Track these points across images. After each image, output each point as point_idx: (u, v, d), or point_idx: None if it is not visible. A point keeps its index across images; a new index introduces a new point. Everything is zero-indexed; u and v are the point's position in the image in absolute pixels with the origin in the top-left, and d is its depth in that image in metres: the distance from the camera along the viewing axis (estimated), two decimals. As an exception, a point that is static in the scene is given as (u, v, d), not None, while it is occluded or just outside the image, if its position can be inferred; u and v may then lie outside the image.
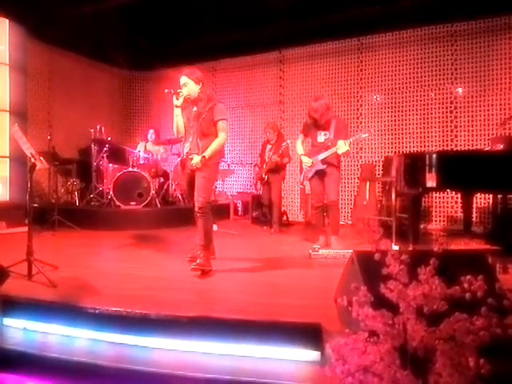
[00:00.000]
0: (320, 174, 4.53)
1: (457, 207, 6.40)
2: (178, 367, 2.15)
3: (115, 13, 6.75)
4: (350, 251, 4.00)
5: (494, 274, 1.96)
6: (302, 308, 2.54)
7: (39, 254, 3.17)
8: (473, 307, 1.40)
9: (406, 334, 1.33)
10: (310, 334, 2.17)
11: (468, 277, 1.42)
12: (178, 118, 3.57)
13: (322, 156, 4.43)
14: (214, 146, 3.41)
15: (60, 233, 5.33)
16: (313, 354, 2.15)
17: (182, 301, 2.72)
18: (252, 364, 2.15)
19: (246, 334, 2.23)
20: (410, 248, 4.29)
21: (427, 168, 4.05)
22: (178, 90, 3.48)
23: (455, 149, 6.33)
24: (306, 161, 4.54)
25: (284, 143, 5.91)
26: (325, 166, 4.44)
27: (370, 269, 1.89)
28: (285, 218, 6.78)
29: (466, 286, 1.40)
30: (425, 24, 6.52)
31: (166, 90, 3.55)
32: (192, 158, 3.41)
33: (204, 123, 3.45)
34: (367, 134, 4.49)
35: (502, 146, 4.20)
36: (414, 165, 4.25)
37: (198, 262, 3.28)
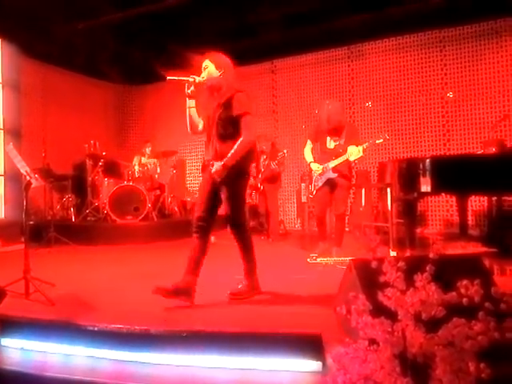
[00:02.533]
0: (330, 184, 4.34)
1: (452, 211, 6.43)
2: (180, 382, 2.14)
3: (108, 28, 6.79)
4: (347, 259, 4.04)
5: (490, 277, 1.97)
6: (302, 317, 2.53)
7: (36, 271, 3.14)
8: (470, 312, 1.41)
9: (406, 341, 1.33)
10: (310, 345, 2.16)
11: (464, 282, 1.43)
12: (191, 111, 3.00)
13: (333, 164, 4.27)
14: (235, 150, 2.76)
15: (56, 249, 5.31)
16: (314, 365, 2.14)
17: (181, 315, 2.71)
18: (253, 376, 2.14)
19: (247, 347, 2.22)
20: (408, 253, 4.31)
21: (421, 173, 4.08)
22: (191, 76, 2.90)
23: (448, 153, 6.38)
24: (316, 168, 4.36)
25: (280, 153, 5.95)
26: (336, 175, 4.28)
27: (367, 277, 1.90)
28: (282, 227, 6.78)
29: (462, 291, 1.41)
30: (413, 31, 6.61)
31: (168, 77, 2.94)
32: (213, 165, 2.83)
33: (221, 121, 2.84)
34: (382, 140, 4.38)
35: (494, 149, 4.25)
36: (408, 170, 4.28)
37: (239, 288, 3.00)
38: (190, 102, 2.98)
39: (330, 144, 4.41)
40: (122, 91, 8.91)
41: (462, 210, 5.49)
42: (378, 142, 4.42)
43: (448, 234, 6.12)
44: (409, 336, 1.33)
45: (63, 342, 2.45)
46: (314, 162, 4.48)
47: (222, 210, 2.96)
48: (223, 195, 2.88)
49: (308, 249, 4.99)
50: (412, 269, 1.49)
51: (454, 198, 6.27)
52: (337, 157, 4.27)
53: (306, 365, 2.15)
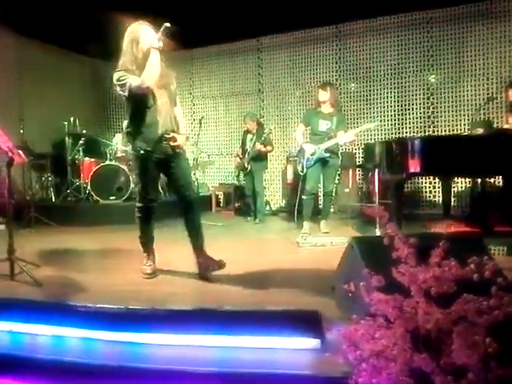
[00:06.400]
0: (321, 163, 4.71)
1: (435, 192, 6.53)
2: (175, 362, 2.10)
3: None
4: (338, 238, 4.07)
5: (490, 255, 1.99)
6: (298, 296, 2.52)
7: (18, 252, 3.02)
8: (478, 288, 1.41)
9: (419, 318, 1.32)
10: (309, 322, 2.16)
11: (474, 258, 1.42)
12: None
13: (325, 145, 4.61)
14: (182, 118, 3.12)
15: (37, 230, 5.15)
16: (313, 342, 2.14)
17: (173, 294, 2.67)
18: (250, 354, 2.12)
19: (243, 325, 2.19)
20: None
21: (410, 153, 4.10)
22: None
23: (431, 134, 6.43)
24: (309, 149, 4.66)
25: (266, 130, 5.88)
26: (328, 155, 4.66)
27: (370, 254, 1.89)
28: (268, 207, 6.77)
29: (472, 267, 1.40)
30: (401, 11, 6.55)
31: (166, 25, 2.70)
32: (172, 138, 2.86)
33: (174, 91, 2.98)
34: (376, 123, 4.71)
35: (481, 131, 4.29)
36: (396, 151, 4.29)
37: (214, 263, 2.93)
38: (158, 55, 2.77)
39: (322, 127, 4.72)
40: (101, 66, 8.58)
41: (446, 191, 5.57)
42: (372, 125, 4.59)
43: (430, 214, 6.22)
44: (422, 312, 1.32)
45: (54, 323, 2.37)
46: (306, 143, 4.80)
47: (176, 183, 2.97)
48: (182, 165, 2.96)
49: (295, 228, 5.02)
50: (422, 246, 1.48)
51: (437, 179, 6.38)
52: (329, 139, 4.62)
53: (304, 342, 2.15)
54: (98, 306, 2.33)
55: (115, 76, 2.78)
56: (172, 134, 2.85)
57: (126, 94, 2.74)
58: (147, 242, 3.09)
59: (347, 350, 1.40)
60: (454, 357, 1.20)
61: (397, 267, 1.40)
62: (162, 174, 3.11)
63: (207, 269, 2.87)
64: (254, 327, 2.18)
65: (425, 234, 2.07)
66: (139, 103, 2.79)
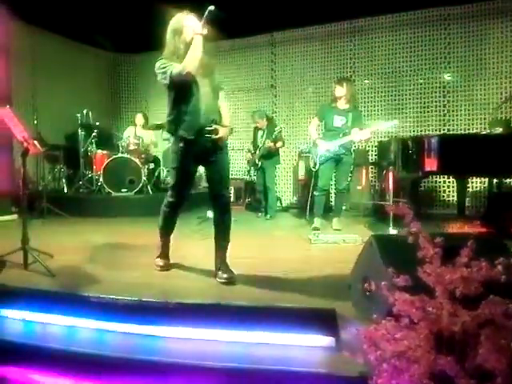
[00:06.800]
0: (334, 160, 4.64)
1: (449, 191, 6.44)
2: (188, 356, 2.08)
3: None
4: (350, 236, 4.03)
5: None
6: (311, 294, 2.49)
7: (31, 242, 3.02)
8: (504, 290, 1.36)
9: (444, 319, 1.28)
10: (324, 320, 2.13)
11: (502, 259, 1.38)
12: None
13: (340, 142, 4.53)
14: (228, 112, 2.92)
15: (50, 221, 5.17)
16: (327, 340, 2.11)
17: (186, 288, 2.65)
18: (265, 351, 2.10)
19: (258, 321, 2.17)
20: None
21: (426, 152, 4.03)
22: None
23: (449, 133, 6.33)
24: (324, 145, 4.59)
25: (277, 128, 5.83)
26: (343, 151, 4.58)
27: (390, 252, 1.85)
28: (279, 203, 6.73)
29: (499, 268, 1.36)
30: (418, 7, 6.44)
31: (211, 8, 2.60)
32: (214, 130, 2.71)
33: (217, 85, 2.86)
34: (394, 123, 4.73)
35: (500, 130, 4.20)
36: (412, 149, 4.23)
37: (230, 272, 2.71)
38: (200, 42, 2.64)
39: (337, 122, 4.64)
40: (114, 59, 8.60)
41: (462, 191, 5.48)
42: (388, 125, 4.52)
43: (444, 214, 6.13)
44: (448, 314, 1.28)
45: (66, 313, 2.37)
46: (321, 139, 4.72)
47: (214, 178, 2.83)
48: (221, 162, 2.80)
49: (306, 225, 4.99)
50: (448, 245, 1.43)
51: (451, 179, 6.28)
52: (344, 135, 4.54)
53: (318, 340, 2.12)
54: (110, 297, 2.32)
55: (156, 64, 2.71)
56: (214, 126, 2.71)
57: (167, 81, 2.65)
58: (166, 235, 3.02)
59: (368, 349, 1.37)
60: (480, 360, 1.16)
61: (421, 267, 1.36)
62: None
63: (216, 275, 2.75)
64: (269, 323, 2.15)
65: (447, 233, 2.02)
66: (182, 91, 2.68)
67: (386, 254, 1.82)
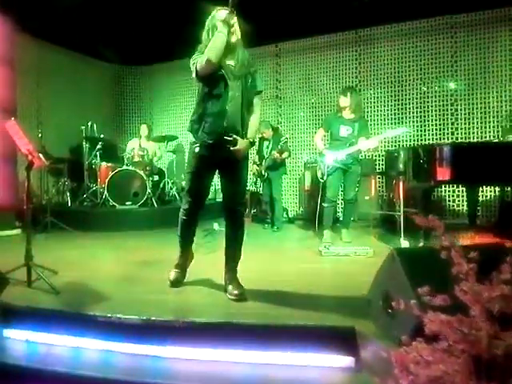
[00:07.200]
0: (342, 170, 4.56)
1: (458, 201, 6.33)
2: (200, 379, 1.97)
3: (106, 5, 6.47)
4: (361, 248, 3.92)
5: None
6: (327, 310, 2.38)
7: (35, 258, 2.93)
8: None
9: (484, 342, 1.18)
10: (343, 339, 2.02)
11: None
12: (223, 39, 2.47)
13: (347, 152, 4.44)
14: (256, 124, 2.67)
15: (54, 235, 5.09)
16: (347, 360, 2.00)
17: (197, 305, 2.54)
18: (280, 372, 1.99)
19: (273, 340, 2.06)
20: (421, 244, 4.19)
21: (438, 161, 3.94)
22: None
23: (460, 141, 6.23)
24: (331, 155, 4.51)
25: (283, 138, 5.76)
26: (351, 161, 4.50)
27: (414, 268, 1.75)
28: (285, 214, 6.63)
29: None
30: (424, 16, 6.41)
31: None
32: (232, 140, 2.53)
33: (249, 90, 2.60)
34: (403, 129, 4.66)
35: (513, 137, 4.12)
36: (424, 158, 4.14)
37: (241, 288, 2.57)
38: (225, 30, 2.48)
39: (343, 132, 4.58)
40: (118, 71, 8.60)
41: (473, 200, 5.38)
42: (398, 132, 4.44)
43: (455, 224, 6.01)
44: (488, 335, 1.17)
45: (72, 333, 2.27)
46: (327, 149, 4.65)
47: (228, 191, 2.70)
48: (236, 173, 2.66)
49: (314, 237, 4.89)
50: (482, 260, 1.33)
51: (460, 188, 6.18)
52: (350, 146, 4.46)
53: (337, 360, 2.01)
54: (118, 316, 2.22)
55: (190, 61, 2.60)
56: (234, 136, 2.54)
57: (194, 75, 2.55)
58: (184, 245, 2.85)
59: (400, 374, 1.26)
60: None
61: (456, 284, 1.25)
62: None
63: (226, 290, 2.61)
64: (284, 342, 2.05)
65: (479, 245, 1.92)
66: (208, 89, 2.54)
67: (411, 270, 1.71)
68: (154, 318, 2.17)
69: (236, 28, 2.56)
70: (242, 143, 2.54)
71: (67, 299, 2.58)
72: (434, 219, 1.39)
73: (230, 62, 2.58)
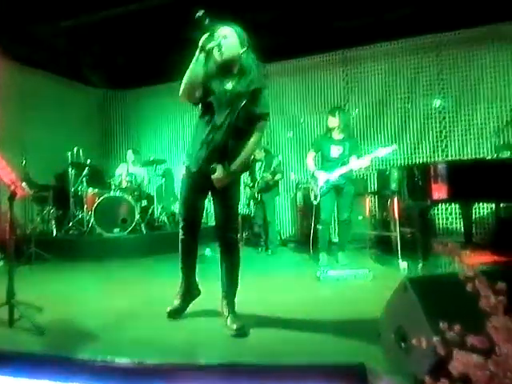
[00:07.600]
0: (336, 190, 4.51)
1: (452, 218, 6.28)
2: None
3: (90, 30, 6.42)
4: (360, 271, 3.80)
5: None
6: (333, 342, 2.23)
7: (18, 293, 2.71)
8: None
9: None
10: (352, 377, 1.87)
11: None
12: (198, 68, 2.34)
13: (340, 172, 4.42)
14: (248, 152, 2.46)
15: (38, 267, 4.85)
16: (357, 400, 1.85)
17: (195, 344, 2.35)
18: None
19: (274, 382, 1.90)
20: (420, 265, 4.09)
21: (433, 179, 3.89)
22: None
23: (458, 159, 6.23)
24: (324, 176, 4.47)
25: (275, 160, 5.70)
26: (344, 181, 4.46)
27: (430, 299, 1.63)
28: (278, 237, 6.49)
29: None
30: (409, 34, 6.48)
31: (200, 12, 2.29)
32: (212, 170, 2.43)
33: (243, 113, 2.39)
34: (393, 147, 4.52)
35: (508, 154, 4.09)
36: (418, 176, 4.08)
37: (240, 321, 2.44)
38: (200, 57, 2.34)
39: (334, 153, 4.55)
40: (105, 96, 8.51)
41: (468, 217, 5.32)
42: (388, 150, 4.40)
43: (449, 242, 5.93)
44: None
45: (57, 379, 2.08)
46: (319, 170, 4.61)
47: (218, 216, 2.63)
48: (226, 198, 2.55)
49: (309, 260, 4.77)
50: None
51: (453, 205, 6.13)
52: (342, 165, 4.43)
53: (347, 400, 1.86)
54: (107, 360, 2.03)
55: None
56: (213, 165, 2.41)
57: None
58: (184, 269, 2.72)
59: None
60: None
61: (487, 320, 1.14)
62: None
63: (225, 324, 2.47)
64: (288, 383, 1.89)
65: (499, 270, 1.82)
66: (200, 113, 2.54)
67: (427, 302, 1.60)
68: (147, 362, 2.00)
69: (225, 44, 2.36)
70: (220, 173, 2.42)
71: (52, 340, 2.39)
72: (453, 246, 1.28)
73: (227, 85, 2.45)
